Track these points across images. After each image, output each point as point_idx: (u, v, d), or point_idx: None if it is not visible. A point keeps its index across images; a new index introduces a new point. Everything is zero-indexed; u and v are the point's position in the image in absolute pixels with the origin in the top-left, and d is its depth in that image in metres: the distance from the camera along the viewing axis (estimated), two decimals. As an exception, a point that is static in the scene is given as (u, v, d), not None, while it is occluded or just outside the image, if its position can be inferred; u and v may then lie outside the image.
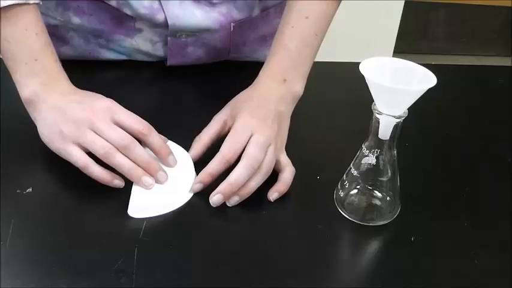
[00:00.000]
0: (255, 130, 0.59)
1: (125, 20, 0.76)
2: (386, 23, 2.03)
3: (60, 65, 0.63)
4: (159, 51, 0.81)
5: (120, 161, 0.57)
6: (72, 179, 0.58)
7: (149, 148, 0.60)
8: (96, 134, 0.57)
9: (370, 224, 0.57)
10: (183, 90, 0.79)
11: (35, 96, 0.60)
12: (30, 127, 0.61)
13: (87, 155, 0.57)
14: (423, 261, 0.54)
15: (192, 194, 0.59)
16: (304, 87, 0.68)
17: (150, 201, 0.57)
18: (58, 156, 0.58)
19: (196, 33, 0.77)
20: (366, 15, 1.97)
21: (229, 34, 0.80)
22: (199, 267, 0.51)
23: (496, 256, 0.56)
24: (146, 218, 0.55)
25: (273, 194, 0.59)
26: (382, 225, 0.57)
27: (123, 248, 0.51)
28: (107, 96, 0.62)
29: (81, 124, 0.57)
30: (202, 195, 0.58)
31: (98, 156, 0.57)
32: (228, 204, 0.58)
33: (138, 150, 0.58)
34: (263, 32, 0.84)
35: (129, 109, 0.61)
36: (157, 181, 0.58)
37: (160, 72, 0.82)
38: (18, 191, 0.56)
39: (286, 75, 0.66)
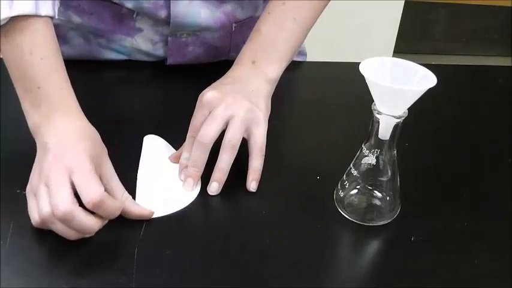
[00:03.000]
0: (213, 104, 0.60)
1: (125, 19, 0.76)
2: (386, 23, 2.03)
3: (67, 90, 0.58)
4: (159, 51, 0.81)
5: (56, 228, 0.50)
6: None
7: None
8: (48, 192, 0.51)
9: (370, 224, 0.57)
10: (184, 90, 0.79)
11: (36, 129, 0.56)
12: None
13: (40, 216, 0.50)
14: (423, 261, 0.54)
15: (196, 195, 0.59)
16: (280, 71, 0.68)
17: (155, 202, 0.57)
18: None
19: (197, 32, 0.77)
20: (366, 15, 1.97)
21: (230, 34, 0.80)
22: (199, 267, 0.51)
23: (496, 256, 0.56)
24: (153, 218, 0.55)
25: (251, 184, 0.59)
26: (382, 225, 0.57)
27: (123, 248, 0.51)
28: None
29: (42, 177, 0.52)
30: (202, 195, 0.58)
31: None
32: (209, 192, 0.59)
33: (77, 220, 0.49)
34: None
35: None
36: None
37: (160, 72, 0.82)
38: (18, 191, 0.56)
39: (255, 57, 0.66)
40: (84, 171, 0.51)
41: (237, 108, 0.60)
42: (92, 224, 0.50)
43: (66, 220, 0.49)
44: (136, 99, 0.74)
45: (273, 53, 0.67)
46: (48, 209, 0.49)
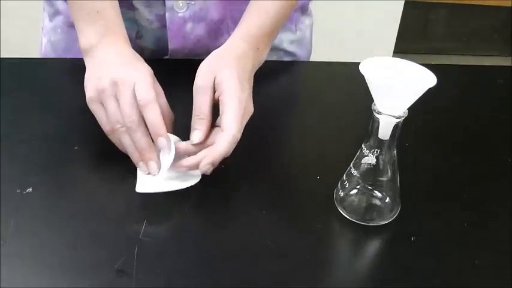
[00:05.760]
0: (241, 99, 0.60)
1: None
2: (386, 23, 2.04)
3: (121, 20, 0.66)
4: (157, 32, 0.81)
5: (124, 142, 0.58)
6: (72, 179, 0.58)
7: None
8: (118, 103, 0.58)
9: (370, 224, 0.57)
10: (186, 88, 0.79)
11: (89, 46, 0.63)
12: (30, 127, 0.61)
13: (111, 128, 0.59)
14: (423, 261, 0.54)
15: (200, 178, 0.58)
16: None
17: (156, 177, 0.58)
18: (58, 156, 0.59)
19: None
20: (366, 15, 1.97)
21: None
22: (199, 267, 0.51)
23: (496, 256, 0.56)
24: (153, 192, 0.56)
25: (205, 167, 0.56)
26: (382, 225, 0.57)
27: (123, 248, 0.51)
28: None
29: (109, 88, 0.58)
30: (202, 195, 0.59)
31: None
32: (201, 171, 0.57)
33: (138, 135, 0.58)
34: None
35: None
36: (148, 169, 0.58)
37: (162, 70, 0.81)
38: (18, 191, 0.56)
39: (260, 43, 0.67)
40: (146, 83, 0.59)
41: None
42: (147, 141, 0.57)
43: (131, 130, 0.57)
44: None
45: (272, 39, 0.69)
46: (118, 121, 0.58)
